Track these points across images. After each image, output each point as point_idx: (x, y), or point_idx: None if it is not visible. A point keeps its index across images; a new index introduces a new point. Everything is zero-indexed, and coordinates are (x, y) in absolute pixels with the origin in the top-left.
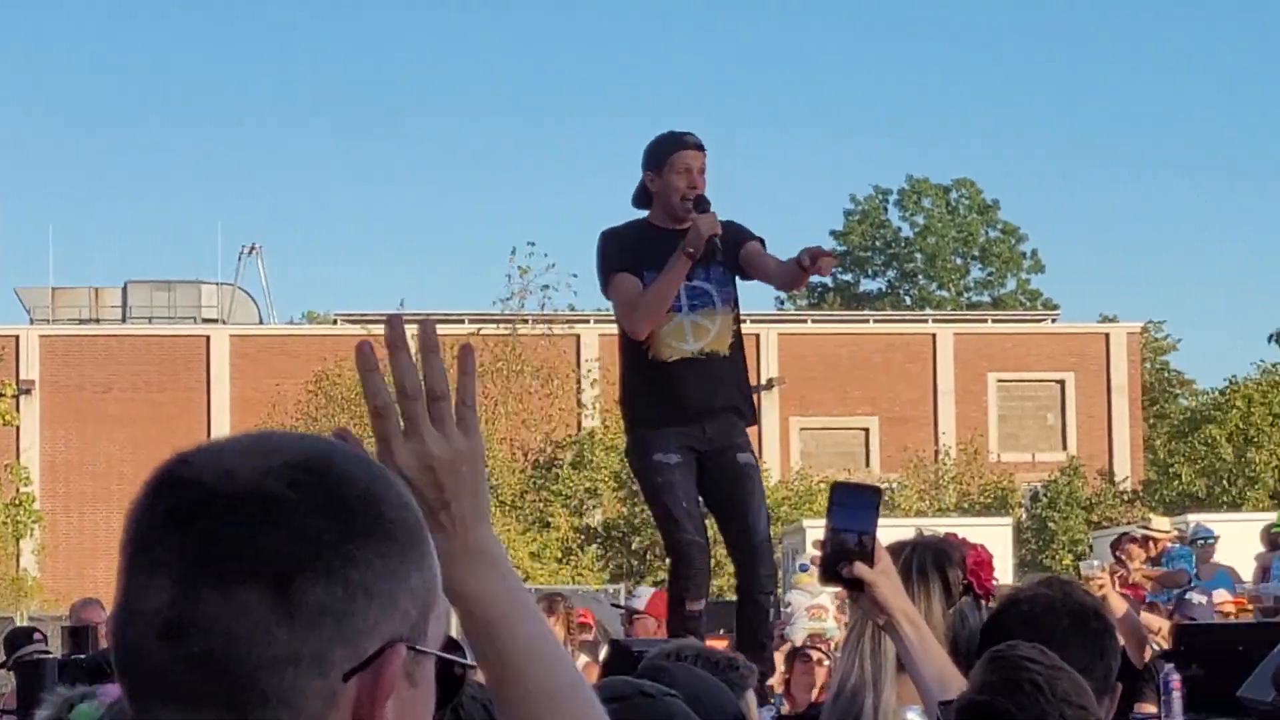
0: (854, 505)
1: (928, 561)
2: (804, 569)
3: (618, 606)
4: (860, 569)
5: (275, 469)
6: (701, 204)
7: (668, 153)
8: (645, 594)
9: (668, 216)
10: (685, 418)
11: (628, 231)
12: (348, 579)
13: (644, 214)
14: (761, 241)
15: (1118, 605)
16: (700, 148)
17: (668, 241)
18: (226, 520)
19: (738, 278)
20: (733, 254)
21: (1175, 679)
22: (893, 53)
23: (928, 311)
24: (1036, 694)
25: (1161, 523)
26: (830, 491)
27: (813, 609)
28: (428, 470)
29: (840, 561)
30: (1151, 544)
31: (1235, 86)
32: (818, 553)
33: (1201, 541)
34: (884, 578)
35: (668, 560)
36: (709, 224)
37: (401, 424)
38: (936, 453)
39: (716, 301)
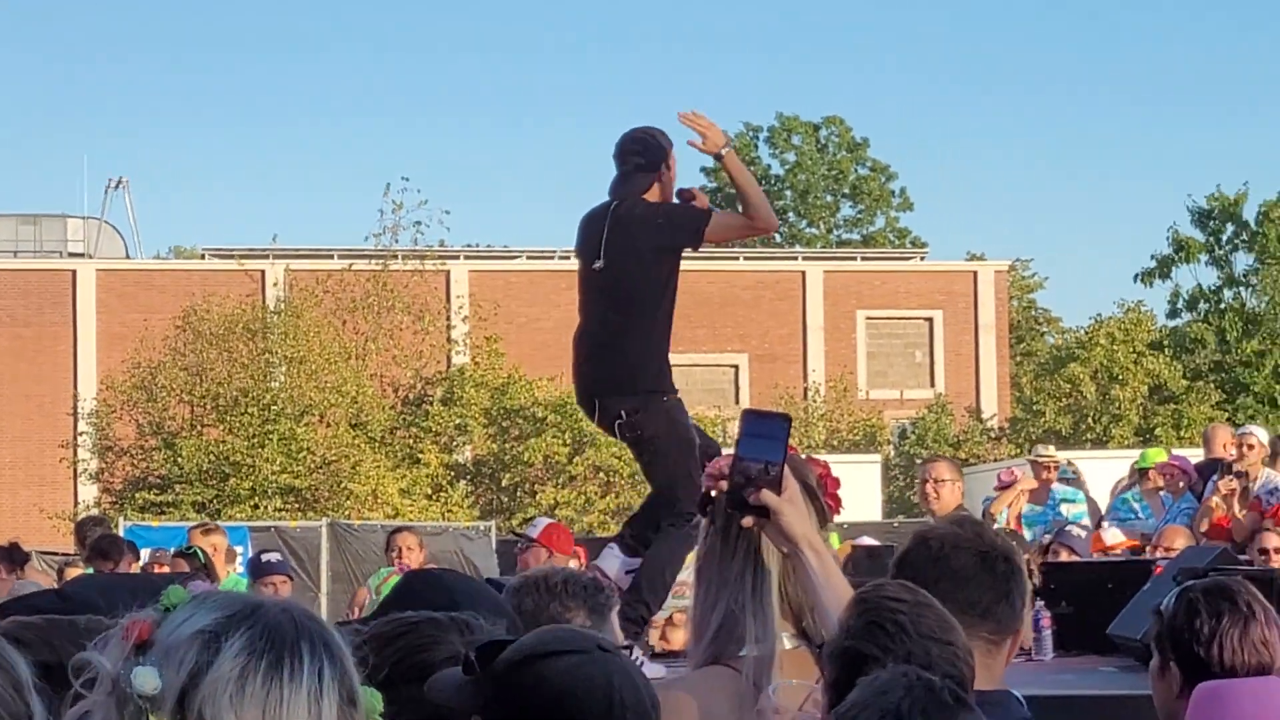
0: (763, 434)
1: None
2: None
3: (517, 534)
4: (767, 496)
5: None
6: (685, 194)
7: (669, 148)
8: (541, 523)
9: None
10: None
11: None
12: None
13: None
14: None
15: None
16: None
17: None
18: None
19: None
20: None
21: (1045, 616)
22: None
23: (798, 249)
24: (900, 633)
25: (1049, 449)
26: (740, 419)
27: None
28: None
29: (747, 488)
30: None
31: (1109, 24)
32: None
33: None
34: (790, 505)
35: (668, 516)
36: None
37: None
38: (806, 390)
39: None
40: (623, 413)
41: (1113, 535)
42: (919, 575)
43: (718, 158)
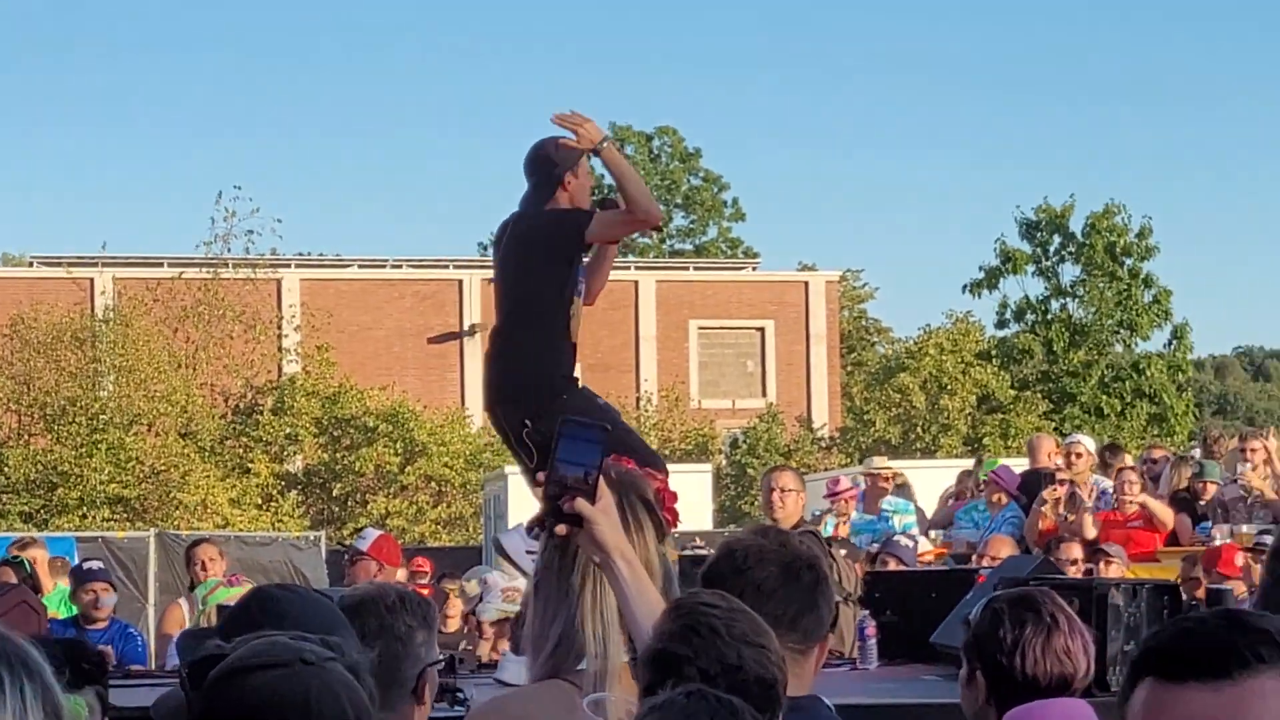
0: (581, 440)
1: (636, 500)
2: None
3: (345, 547)
4: (581, 505)
5: None
6: (610, 204)
7: (580, 156)
8: (371, 535)
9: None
10: None
11: None
12: None
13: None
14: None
15: None
16: None
17: None
18: None
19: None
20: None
21: (870, 625)
22: None
23: (630, 259)
24: (713, 636)
25: (883, 461)
26: (559, 426)
27: (508, 591)
28: None
29: (562, 496)
30: (878, 481)
31: (938, 34)
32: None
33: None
34: (604, 515)
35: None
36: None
37: None
38: (638, 399)
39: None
40: (526, 422)
41: (922, 544)
42: (725, 587)
43: (596, 153)
